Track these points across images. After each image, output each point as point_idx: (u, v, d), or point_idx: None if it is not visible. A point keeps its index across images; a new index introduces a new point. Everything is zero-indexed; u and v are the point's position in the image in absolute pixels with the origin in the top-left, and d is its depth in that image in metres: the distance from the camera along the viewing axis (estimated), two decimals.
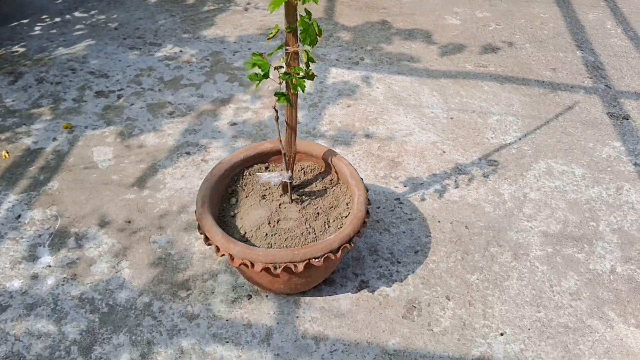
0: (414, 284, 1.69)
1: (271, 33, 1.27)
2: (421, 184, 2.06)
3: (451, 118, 2.41)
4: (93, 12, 3.16)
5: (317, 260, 1.37)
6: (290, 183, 1.52)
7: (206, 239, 1.44)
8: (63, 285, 1.67)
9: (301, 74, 1.32)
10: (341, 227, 1.52)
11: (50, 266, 1.72)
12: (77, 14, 3.14)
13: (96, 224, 1.86)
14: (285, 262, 1.36)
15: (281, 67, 1.34)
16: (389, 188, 2.03)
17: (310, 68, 1.33)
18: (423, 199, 1.99)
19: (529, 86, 2.64)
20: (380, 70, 2.72)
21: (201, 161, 2.12)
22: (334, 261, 1.42)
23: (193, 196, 1.97)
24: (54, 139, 2.21)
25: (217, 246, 1.41)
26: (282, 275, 1.39)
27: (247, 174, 1.67)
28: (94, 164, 2.10)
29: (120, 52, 2.77)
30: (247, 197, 1.61)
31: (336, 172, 1.65)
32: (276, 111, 1.39)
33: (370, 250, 1.78)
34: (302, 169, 1.70)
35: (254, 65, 1.29)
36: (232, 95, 2.50)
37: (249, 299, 1.62)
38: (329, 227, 1.53)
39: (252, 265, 1.37)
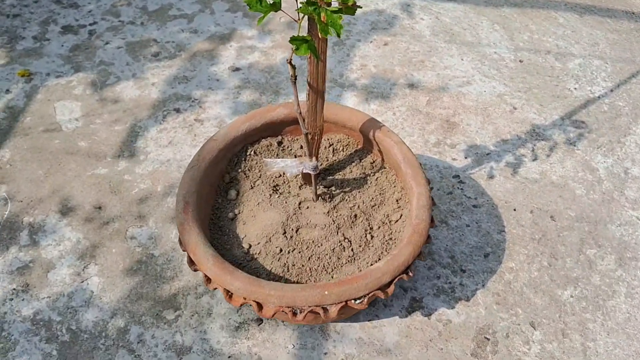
0: (485, 304, 1.23)
1: None
2: (487, 154, 1.54)
3: (520, 61, 1.85)
4: None
5: (358, 302, 0.90)
6: (315, 175, 1.02)
7: (191, 262, 0.97)
8: (12, 300, 1.23)
9: (335, 3, 0.79)
10: (390, 238, 1.04)
11: None
12: None
13: (57, 210, 1.40)
14: (310, 306, 0.89)
15: None
16: (445, 160, 1.52)
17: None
18: (491, 176, 1.48)
19: (616, 19, 2.04)
20: None
21: (194, 121, 1.62)
22: (384, 298, 0.95)
23: (183, 170, 1.47)
24: (7, 91, 1.70)
25: (206, 275, 0.94)
26: (306, 317, 0.93)
27: (252, 152, 1.17)
28: (56, 125, 1.61)
29: None
30: (252, 188, 1.12)
31: (380, 152, 1.15)
32: (293, 68, 0.87)
33: (426, 245, 1.31)
34: (331, 144, 1.19)
35: None
36: (234, 29, 1.95)
37: (258, 325, 1.18)
38: (372, 237, 1.05)
39: (260, 307, 0.91)
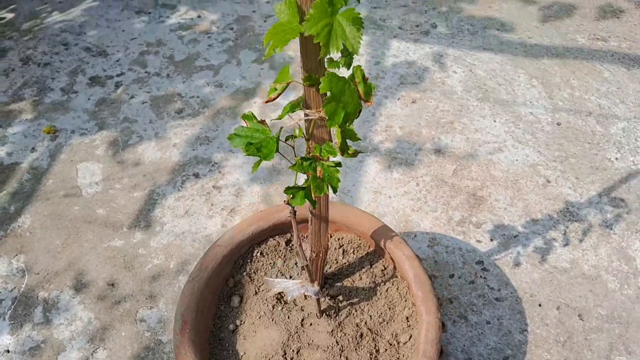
0: None
1: (273, 88, 0.68)
2: (515, 236, 1.45)
3: (558, 124, 1.73)
4: None
5: None
6: (318, 299, 0.97)
7: None
8: None
9: (333, 157, 0.74)
10: None
11: (8, 351, 1.30)
12: None
13: (71, 285, 1.41)
14: None
15: (295, 137, 0.76)
16: (469, 242, 1.44)
17: (350, 146, 0.74)
18: (517, 264, 1.40)
19: None
20: (458, 45, 2.02)
21: (212, 189, 1.60)
22: None
23: (197, 246, 1.46)
24: (33, 149, 1.73)
25: None
26: None
27: (258, 254, 1.13)
28: (77, 189, 1.62)
29: (125, 19, 2.20)
30: (256, 293, 1.08)
31: (392, 259, 1.09)
32: (292, 206, 0.82)
33: None
34: (341, 245, 1.14)
35: (246, 142, 0.71)
36: (259, 83, 1.91)
37: None
38: None
39: None
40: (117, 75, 1.96)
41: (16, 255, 1.47)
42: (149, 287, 1.40)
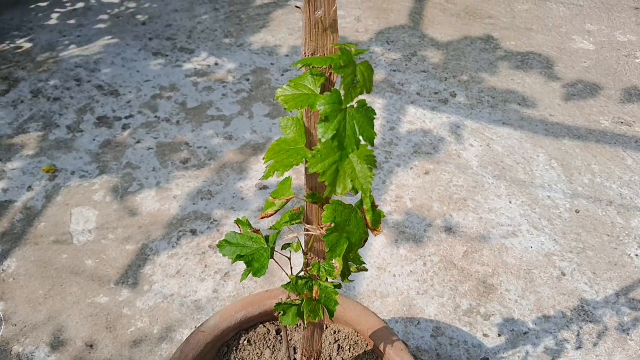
0: None
1: (270, 202, 0.62)
2: (525, 333, 1.35)
3: (577, 211, 1.65)
4: None
5: None
6: None
7: None
8: None
9: (331, 279, 0.66)
10: None
11: None
12: None
13: (48, 342, 1.32)
14: None
15: (290, 246, 0.69)
16: (475, 335, 1.34)
17: (351, 264, 0.66)
18: None
19: None
20: (477, 117, 1.97)
21: (208, 248, 1.52)
22: None
23: (184, 311, 1.38)
24: (29, 188, 1.67)
25: None
26: None
27: (245, 341, 1.04)
28: (68, 236, 1.55)
29: (141, 59, 2.18)
30: None
31: None
32: (284, 327, 0.74)
33: None
34: (337, 340, 1.05)
35: (235, 254, 0.64)
36: (269, 139, 1.86)
37: None
38: None
39: None
40: (126, 117, 1.92)
41: None
42: (129, 352, 1.30)
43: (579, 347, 1.33)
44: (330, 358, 1.02)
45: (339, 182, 0.46)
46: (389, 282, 1.45)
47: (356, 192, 0.47)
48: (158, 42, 2.27)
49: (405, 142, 1.86)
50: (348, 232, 0.53)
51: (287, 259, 0.68)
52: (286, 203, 0.61)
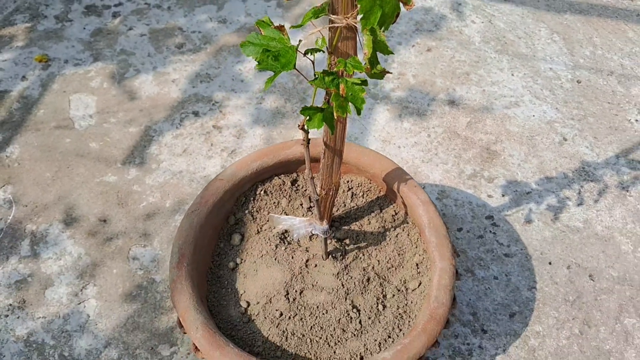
0: None
1: None
2: (528, 192, 1.39)
3: (578, 81, 1.65)
4: None
5: None
6: (326, 239, 0.91)
7: (180, 325, 0.89)
8: (7, 316, 1.19)
9: (359, 73, 0.66)
10: (404, 311, 0.93)
11: None
12: None
13: (61, 219, 1.34)
14: None
15: (317, 50, 0.67)
16: (479, 196, 1.38)
17: (379, 64, 0.66)
18: (529, 221, 1.34)
19: None
20: None
21: (212, 128, 1.51)
22: None
23: (195, 186, 1.39)
24: (24, 78, 1.63)
25: (194, 344, 0.85)
26: None
27: (262, 192, 1.06)
28: (69, 121, 1.53)
29: None
30: (258, 232, 1.02)
31: (404, 204, 1.02)
32: (306, 132, 0.75)
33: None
34: (351, 188, 1.07)
35: (264, 51, 0.63)
36: None
37: None
38: (384, 307, 0.94)
39: None
40: (115, 5, 1.84)
41: (3, 185, 1.40)
42: (143, 225, 1.33)
43: (580, 204, 1.37)
44: (345, 205, 1.05)
45: None
46: (394, 152, 1.47)
47: None
48: None
49: (406, 20, 1.82)
50: (382, 2, 0.52)
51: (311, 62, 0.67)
52: None
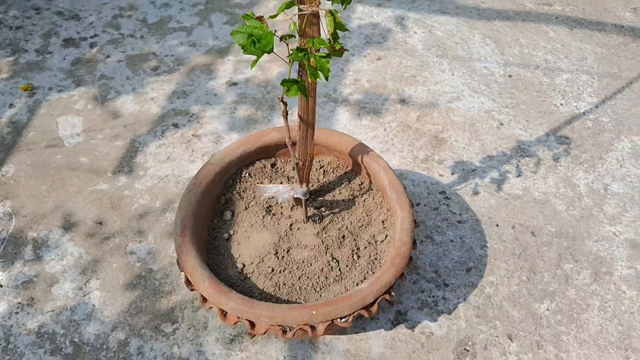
0: (466, 318, 1.29)
1: None
2: (473, 170, 1.60)
3: (509, 76, 1.90)
4: None
5: (343, 320, 0.97)
6: (306, 200, 1.08)
7: (188, 283, 1.03)
8: (17, 313, 1.30)
9: (324, 50, 0.85)
10: (375, 258, 1.11)
11: (1, 286, 1.35)
12: None
13: (59, 225, 1.46)
14: (299, 325, 0.96)
15: (291, 36, 0.86)
16: (432, 176, 1.59)
17: (339, 40, 0.85)
18: (476, 193, 1.55)
19: (605, 32, 2.09)
20: (418, 9, 2.17)
21: (192, 137, 1.68)
22: (368, 317, 1.01)
23: (181, 187, 1.55)
24: (11, 105, 1.76)
25: (202, 296, 1.00)
26: (296, 334, 1.00)
27: (247, 174, 1.23)
28: (58, 140, 1.67)
29: None
30: (246, 209, 1.19)
31: (368, 174, 1.21)
32: (284, 104, 0.93)
33: (408, 267, 1.37)
34: (322, 166, 1.25)
35: (248, 36, 0.82)
36: (232, 43, 2.00)
37: (251, 338, 1.25)
38: (358, 257, 1.11)
39: (253, 325, 0.97)
40: (92, 37, 2.01)
41: (2, 200, 1.52)
42: (137, 223, 1.47)
43: (519, 176, 1.59)
44: (318, 181, 1.23)
45: None
46: None
47: None
48: None
49: (357, 35, 2.05)
50: None
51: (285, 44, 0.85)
52: None
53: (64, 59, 1.92)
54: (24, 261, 1.39)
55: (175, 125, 1.71)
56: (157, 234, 1.44)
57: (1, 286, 1.35)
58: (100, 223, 1.47)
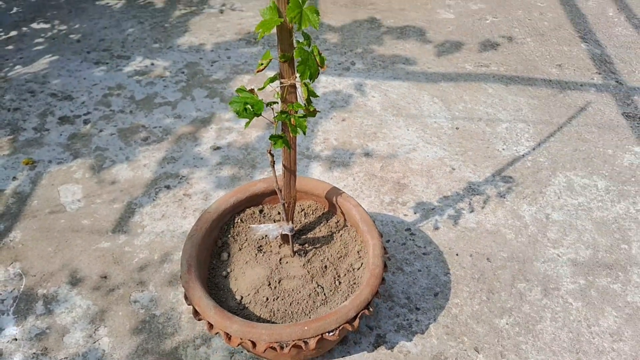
0: (437, 336, 1.48)
1: (260, 63, 1.03)
2: (432, 209, 1.84)
3: (457, 128, 2.19)
4: (53, 22, 2.85)
5: (331, 334, 1.15)
6: (292, 235, 1.29)
7: (196, 313, 1.20)
8: None
9: (301, 111, 1.09)
10: (354, 282, 1.30)
11: (16, 339, 1.47)
12: (34, 25, 2.83)
13: (67, 281, 1.61)
14: (293, 340, 1.13)
15: (274, 102, 1.10)
16: (397, 216, 1.81)
17: (312, 104, 1.09)
18: (437, 228, 1.78)
19: (535, 86, 2.43)
20: (374, 76, 2.48)
21: (183, 196, 1.88)
22: (352, 331, 1.20)
23: (176, 240, 1.73)
24: (14, 178, 1.94)
25: (209, 322, 1.18)
26: (291, 351, 1.17)
27: (239, 220, 1.43)
28: (61, 206, 1.84)
29: (85, 69, 2.48)
30: (240, 250, 1.38)
31: (342, 213, 1.43)
32: (272, 156, 1.16)
33: (384, 296, 1.57)
34: (303, 209, 1.47)
35: (244, 104, 1.05)
36: (213, 113, 2.25)
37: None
38: (340, 283, 1.31)
39: (254, 345, 1.14)
40: (85, 114, 2.22)
41: (12, 263, 1.66)
42: (138, 275, 1.63)
43: (472, 211, 1.84)
44: (301, 222, 1.44)
45: (303, 21, 0.89)
46: None
47: (308, 40, 0.91)
48: (96, 54, 2.59)
49: (323, 101, 2.33)
50: (309, 66, 0.96)
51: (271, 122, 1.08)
52: (269, 62, 1.02)
53: (61, 134, 2.12)
54: (36, 315, 1.52)
55: (168, 187, 1.91)
56: (158, 283, 1.61)
57: (16, 339, 1.47)
58: (105, 277, 1.63)
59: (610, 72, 2.52)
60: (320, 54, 0.98)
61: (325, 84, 2.43)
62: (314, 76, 0.98)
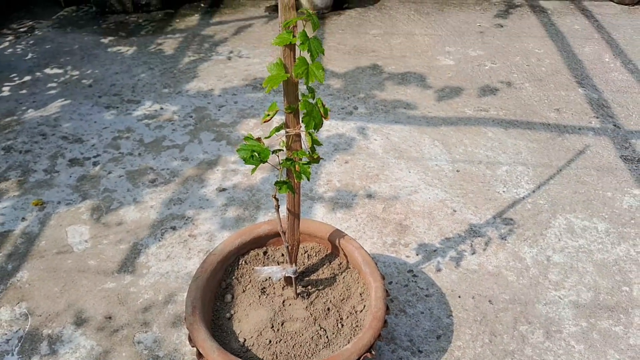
0: None
1: (267, 114, 1.08)
2: (434, 250, 1.86)
3: (457, 171, 2.24)
4: (65, 68, 2.96)
5: None
6: (295, 278, 1.31)
7: (199, 355, 1.22)
8: None
9: (305, 159, 1.13)
10: (357, 325, 1.32)
11: None
12: (48, 70, 2.94)
13: (72, 322, 1.62)
14: None
15: (280, 150, 1.15)
16: (400, 258, 1.83)
17: (316, 151, 1.14)
18: (439, 270, 1.79)
19: (534, 130, 2.49)
20: (376, 120, 2.55)
21: (189, 237, 1.91)
22: None
23: (181, 281, 1.75)
24: (23, 219, 1.98)
25: None
26: None
27: (243, 262, 1.46)
28: (68, 247, 1.87)
29: (96, 113, 2.56)
30: (244, 291, 1.40)
31: (345, 255, 1.45)
32: (276, 200, 1.19)
33: (386, 338, 1.57)
34: (306, 251, 1.49)
35: (251, 152, 1.09)
36: (220, 156, 2.30)
37: None
38: (342, 325, 1.32)
39: None
40: (94, 157, 2.28)
41: (18, 303, 1.68)
42: (142, 316, 1.64)
43: (473, 253, 1.86)
44: (304, 264, 1.46)
45: (310, 77, 0.94)
46: None
47: (313, 93, 0.96)
48: (107, 98, 2.67)
49: (326, 144, 2.39)
50: (313, 117, 1.01)
51: (276, 168, 1.13)
52: (275, 113, 1.07)
53: (70, 176, 2.18)
54: (41, 356, 1.53)
55: (173, 228, 1.94)
56: (161, 324, 1.62)
57: None
58: (110, 317, 1.64)
59: (608, 116, 2.58)
60: (324, 106, 1.04)
61: (328, 127, 2.49)
62: (318, 126, 1.03)
